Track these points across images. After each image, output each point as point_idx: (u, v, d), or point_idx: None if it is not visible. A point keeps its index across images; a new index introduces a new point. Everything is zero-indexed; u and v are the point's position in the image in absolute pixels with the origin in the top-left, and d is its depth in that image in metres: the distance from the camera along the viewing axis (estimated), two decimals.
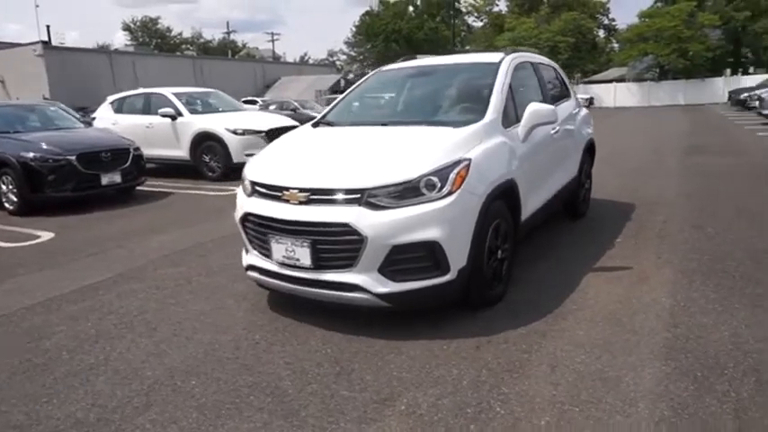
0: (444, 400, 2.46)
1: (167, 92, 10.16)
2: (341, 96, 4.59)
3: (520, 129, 3.77)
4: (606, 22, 55.83)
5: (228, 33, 69.77)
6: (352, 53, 65.68)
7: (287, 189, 3.14)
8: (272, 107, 20.03)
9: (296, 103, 21.35)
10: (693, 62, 39.63)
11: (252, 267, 3.45)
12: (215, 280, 4.25)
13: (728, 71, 41.56)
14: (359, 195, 2.96)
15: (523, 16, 49.26)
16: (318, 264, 3.04)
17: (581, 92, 40.86)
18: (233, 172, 9.16)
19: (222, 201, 7.60)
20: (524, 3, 52.93)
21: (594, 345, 2.91)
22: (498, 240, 3.38)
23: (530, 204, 3.86)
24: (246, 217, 3.37)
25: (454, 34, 44.95)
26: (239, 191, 3.66)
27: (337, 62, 66.23)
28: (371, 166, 3.11)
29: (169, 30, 66.55)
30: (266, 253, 3.28)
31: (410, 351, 2.92)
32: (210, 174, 9.46)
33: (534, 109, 3.75)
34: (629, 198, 6.58)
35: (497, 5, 55.51)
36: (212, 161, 9.40)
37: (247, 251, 3.53)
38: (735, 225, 5.16)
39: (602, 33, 54.74)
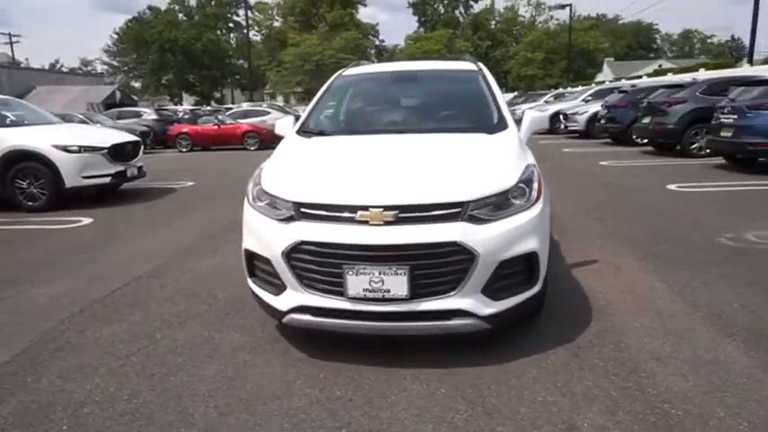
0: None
1: None
2: (312, 104, 4.02)
3: (522, 134, 3.81)
4: (377, 42, 61.05)
5: None
6: (115, 63, 58.90)
7: (364, 208, 2.60)
8: None
9: (80, 116, 18.08)
10: None
11: (301, 309, 2.78)
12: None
13: None
14: (460, 210, 2.62)
15: (304, 33, 50.57)
16: (415, 293, 2.60)
17: None
18: (61, 200, 7.40)
19: (75, 235, 6.05)
20: (302, 20, 54.47)
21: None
22: None
23: None
24: (297, 248, 2.69)
25: (250, 45, 43.68)
26: (255, 217, 2.93)
27: (94, 72, 58.53)
28: (461, 177, 2.79)
29: None
30: (333, 289, 2.67)
31: (528, 371, 2.72)
32: (30, 203, 7.35)
33: (533, 116, 3.84)
34: None
35: (277, 20, 56.00)
36: (32, 187, 7.33)
37: (276, 289, 2.84)
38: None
39: (373, 53, 59.45)
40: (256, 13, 53.13)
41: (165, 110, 25.13)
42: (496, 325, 2.76)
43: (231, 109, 25.83)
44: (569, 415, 2.34)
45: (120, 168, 7.98)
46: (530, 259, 2.79)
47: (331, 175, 2.93)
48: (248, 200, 3.09)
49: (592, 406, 2.40)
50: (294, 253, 2.70)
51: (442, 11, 56.64)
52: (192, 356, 3.02)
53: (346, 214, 2.64)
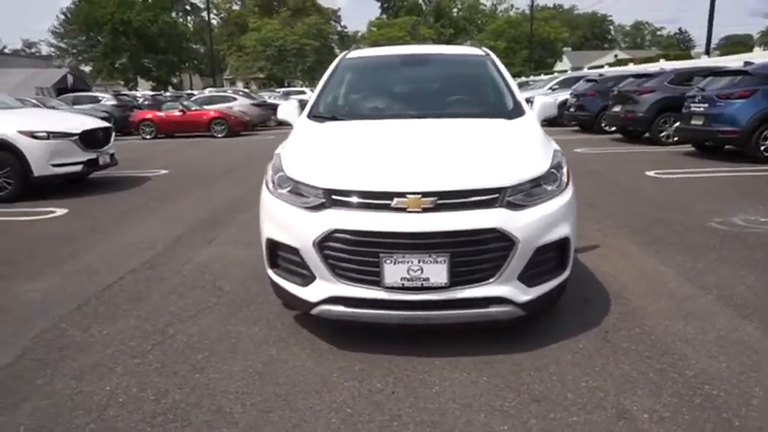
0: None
1: None
2: (319, 88, 3.86)
3: None
4: (339, 28, 60.23)
5: None
6: (62, 45, 55.96)
7: (401, 195, 2.52)
8: None
9: (33, 101, 17.08)
10: None
11: (333, 300, 2.68)
12: None
13: None
14: (497, 195, 2.58)
15: (265, 17, 49.35)
16: (455, 280, 2.55)
17: None
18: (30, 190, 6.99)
19: (51, 227, 5.71)
20: (262, 3, 53.12)
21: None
22: None
23: None
24: (330, 237, 2.58)
25: (210, 28, 42.28)
26: (278, 206, 2.80)
27: (39, 54, 55.65)
28: (496, 163, 2.74)
29: None
30: (368, 279, 2.58)
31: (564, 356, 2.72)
32: None
33: (544, 102, 3.82)
34: None
35: (237, 4, 54.41)
36: None
37: (304, 280, 2.74)
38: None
39: (335, 39, 58.68)
40: None
41: (125, 95, 24.10)
42: (531, 312, 2.75)
43: (193, 95, 25.01)
44: (616, 399, 2.36)
45: (92, 156, 7.57)
46: (562, 245, 2.78)
47: (361, 160, 2.82)
48: (268, 187, 2.95)
49: (635, 389, 2.42)
50: (326, 242, 2.59)
51: None
52: (214, 352, 2.89)
53: (382, 201, 2.55)
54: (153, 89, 44.60)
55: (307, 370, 2.68)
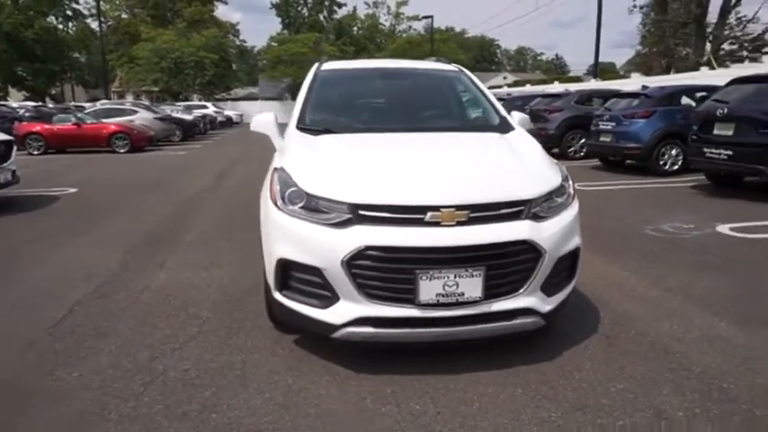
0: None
1: None
2: (302, 100, 3.66)
3: None
4: (238, 42, 58.61)
5: None
6: None
7: (435, 209, 2.46)
8: None
9: None
10: None
11: (361, 321, 2.53)
12: None
13: None
14: (523, 208, 2.61)
15: (159, 27, 46.69)
16: (487, 294, 2.53)
17: (230, 109, 41.79)
18: None
19: None
20: (155, 13, 50.31)
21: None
22: None
23: None
24: (361, 254, 2.45)
25: (102, 36, 38.99)
26: (293, 223, 2.61)
27: None
28: (516, 175, 2.77)
29: None
30: (401, 297, 2.48)
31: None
32: None
33: (521, 117, 3.95)
34: None
35: (126, 12, 50.93)
36: None
37: (325, 302, 2.57)
38: None
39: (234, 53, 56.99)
40: (102, 3, 47.63)
41: (3, 105, 21.53)
42: (550, 321, 2.80)
43: (83, 107, 22.92)
44: (648, 400, 2.45)
45: None
46: (575, 255, 2.88)
47: (385, 174, 2.71)
48: (276, 204, 2.73)
49: (661, 389, 2.54)
50: (355, 260, 2.46)
51: (306, 14, 56.40)
52: (221, 386, 2.61)
53: (414, 216, 2.48)
54: (26, 100, 40.21)
55: (334, 398, 2.50)
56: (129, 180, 10.30)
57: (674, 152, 9.45)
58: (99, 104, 24.10)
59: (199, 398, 2.50)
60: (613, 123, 9.94)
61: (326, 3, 57.22)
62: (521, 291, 2.61)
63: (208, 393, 2.54)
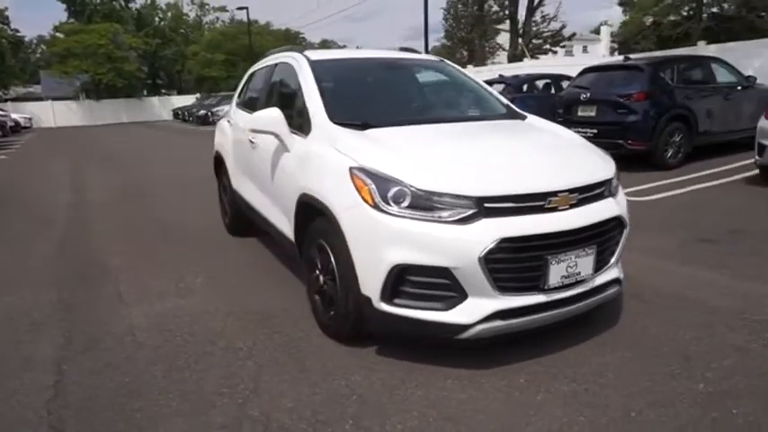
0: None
1: None
2: (317, 95, 3.27)
3: None
4: (10, 32, 49.25)
5: None
6: None
7: (553, 194, 2.51)
8: None
9: None
10: (130, 82, 41.23)
11: (494, 316, 2.46)
12: None
13: (145, 92, 45.52)
14: (604, 188, 2.82)
15: None
16: (596, 269, 2.68)
17: (14, 111, 35.13)
18: None
19: None
20: None
21: None
22: None
23: None
24: (498, 247, 2.38)
25: None
26: (406, 224, 2.43)
27: None
28: (586, 157, 2.99)
29: None
30: (529, 285, 2.49)
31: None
32: None
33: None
34: None
35: None
36: None
37: (449, 303, 2.46)
38: None
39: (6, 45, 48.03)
40: None
41: None
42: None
43: None
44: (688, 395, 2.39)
45: None
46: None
47: (486, 165, 2.67)
48: (375, 207, 2.49)
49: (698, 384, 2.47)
50: (492, 254, 2.39)
51: (98, 0, 49.62)
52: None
53: (536, 203, 2.50)
54: None
55: (481, 399, 2.41)
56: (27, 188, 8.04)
57: None
58: None
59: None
60: None
61: None
62: (611, 262, 2.81)
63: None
